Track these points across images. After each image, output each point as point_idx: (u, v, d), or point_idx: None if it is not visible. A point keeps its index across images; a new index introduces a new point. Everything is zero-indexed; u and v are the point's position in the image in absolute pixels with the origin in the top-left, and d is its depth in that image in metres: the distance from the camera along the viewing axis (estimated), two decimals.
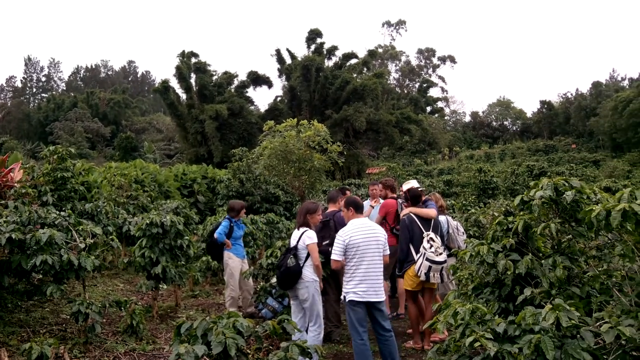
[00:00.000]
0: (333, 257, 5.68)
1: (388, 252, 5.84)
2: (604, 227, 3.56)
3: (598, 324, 3.30)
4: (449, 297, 4.58)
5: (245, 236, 10.54)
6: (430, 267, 6.59)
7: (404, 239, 7.00)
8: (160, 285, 8.28)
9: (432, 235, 6.80)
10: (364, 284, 5.55)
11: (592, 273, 4.17)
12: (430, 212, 7.08)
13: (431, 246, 6.68)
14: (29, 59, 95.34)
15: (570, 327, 3.26)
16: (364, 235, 5.66)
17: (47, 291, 6.42)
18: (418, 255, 6.75)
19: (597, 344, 3.30)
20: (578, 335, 3.26)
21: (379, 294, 5.64)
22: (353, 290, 5.55)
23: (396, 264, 7.35)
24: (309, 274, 6.01)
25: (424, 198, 7.70)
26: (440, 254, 6.70)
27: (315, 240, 6.11)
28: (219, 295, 10.22)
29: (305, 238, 6.10)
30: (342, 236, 5.68)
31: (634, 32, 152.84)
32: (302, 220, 6.31)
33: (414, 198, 7.30)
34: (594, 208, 3.61)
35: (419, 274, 6.65)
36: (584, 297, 4.01)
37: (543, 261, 4.21)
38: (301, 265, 6.05)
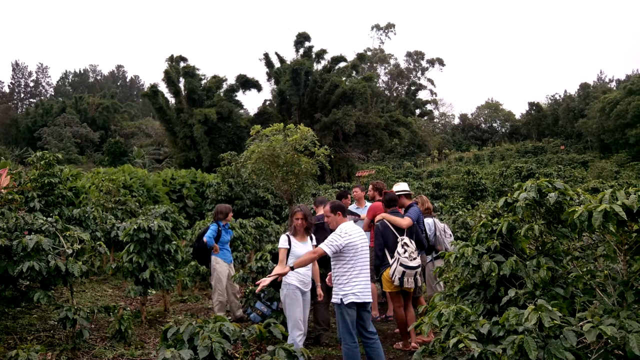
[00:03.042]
0: (324, 248, 5.49)
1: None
2: (586, 227, 3.60)
3: (581, 323, 3.33)
4: (434, 299, 4.60)
5: (234, 240, 10.53)
6: (404, 272, 6.54)
7: (377, 245, 6.91)
8: (149, 291, 8.27)
9: (406, 240, 6.74)
10: (361, 285, 5.56)
11: (575, 273, 4.21)
12: (403, 221, 6.90)
13: (405, 251, 6.62)
14: (17, 64, 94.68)
15: (554, 327, 3.29)
16: (359, 237, 5.67)
17: (35, 297, 6.40)
18: (392, 260, 6.70)
19: (581, 344, 3.33)
20: (561, 335, 3.29)
21: (370, 295, 5.69)
22: (352, 291, 5.50)
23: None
24: (284, 278, 6.03)
25: (410, 202, 7.70)
26: (414, 258, 6.63)
27: (283, 245, 6.10)
28: (207, 300, 10.19)
29: (279, 242, 6.20)
30: (341, 235, 5.55)
31: (621, 33, 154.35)
32: (289, 223, 6.37)
33: (388, 201, 7.19)
34: (576, 209, 3.66)
35: (392, 278, 6.61)
36: (567, 298, 4.05)
37: (527, 262, 4.25)
38: None
